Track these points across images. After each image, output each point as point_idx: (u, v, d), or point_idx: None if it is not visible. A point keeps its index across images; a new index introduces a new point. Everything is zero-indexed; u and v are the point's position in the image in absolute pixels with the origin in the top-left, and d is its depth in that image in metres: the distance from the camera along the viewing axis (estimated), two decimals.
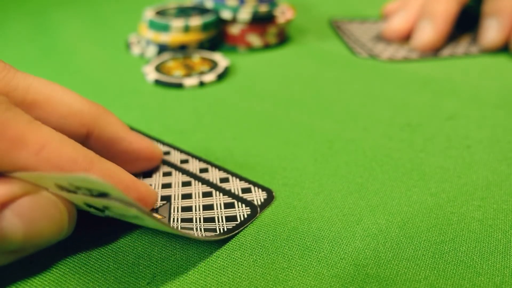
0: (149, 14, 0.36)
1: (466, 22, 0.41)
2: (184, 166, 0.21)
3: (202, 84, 0.31)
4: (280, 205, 0.19)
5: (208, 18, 0.35)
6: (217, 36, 0.37)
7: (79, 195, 0.14)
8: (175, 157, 0.22)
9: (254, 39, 0.37)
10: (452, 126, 0.25)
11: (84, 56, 0.36)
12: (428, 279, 0.15)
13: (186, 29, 0.34)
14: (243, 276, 0.15)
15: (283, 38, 0.40)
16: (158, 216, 0.18)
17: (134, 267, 0.16)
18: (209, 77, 0.31)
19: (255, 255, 0.16)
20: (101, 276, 0.15)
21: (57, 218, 0.14)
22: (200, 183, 0.20)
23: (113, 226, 0.18)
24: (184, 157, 0.22)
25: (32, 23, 0.45)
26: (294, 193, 0.20)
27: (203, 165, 0.21)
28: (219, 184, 0.20)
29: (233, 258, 0.16)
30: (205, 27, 0.35)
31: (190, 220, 0.18)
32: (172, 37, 0.34)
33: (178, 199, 0.19)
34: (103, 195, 0.13)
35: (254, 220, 0.18)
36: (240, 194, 0.19)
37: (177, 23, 0.34)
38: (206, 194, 0.19)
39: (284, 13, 0.39)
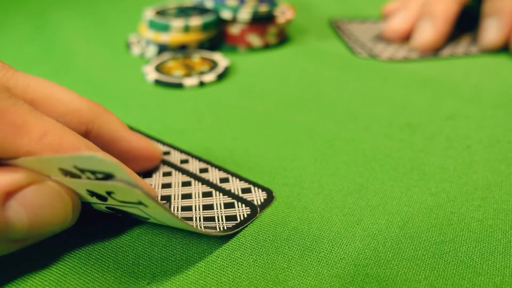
0: (149, 14, 0.36)
1: (466, 22, 0.41)
2: (184, 166, 0.21)
3: (202, 84, 0.31)
4: (280, 205, 0.19)
5: (208, 18, 0.35)
6: (217, 36, 0.37)
7: (83, 179, 0.14)
8: (175, 157, 0.22)
9: (254, 39, 0.37)
10: (452, 126, 0.25)
11: (84, 56, 0.36)
12: (428, 279, 0.15)
13: (186, 29, 0.34)
14: (243, 276, 0.15)
15: (283, 38, 0.40)
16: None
17: (134, 267, 0.16)
18: (209, 77, 0.31)
19: (255, 255, 0.16)
20: (101, 276, 0.15)
21: (61, 208, 0.14)
22: (200, 183, 0.20)
23: (113, 226, 0.18)
24: (184, 157, 0.22)
25: (32, 23, 0.45)
26: (294, 193, 0.20)
27: (203, 165, 0.21)
28: (219, 184, 0.20)
29: (233, 258, 0.16)
30: (205, 27, 0.35)
31: (190, 219, 0.18)
32: (172, 37, 0.34)
33: (178, 199, 0.19)
34: (107, 177, 0.13)
35: (254, 219, 0.18)
36: (240, 194, 0.19)
37: (177, 23, 0.34)
38: (206, 194, 0.19)
39: (284, 13, 0.39)
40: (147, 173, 0.20)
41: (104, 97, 0.29)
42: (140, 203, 0.14)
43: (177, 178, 0.20)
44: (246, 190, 0.19)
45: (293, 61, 0.35)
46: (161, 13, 0.36)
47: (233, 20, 0.37)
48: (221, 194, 0.19)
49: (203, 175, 0.20)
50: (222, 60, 0.34)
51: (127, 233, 0.17)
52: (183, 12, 0.37)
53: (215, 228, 0.17)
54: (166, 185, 0.20)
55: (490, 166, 0.22)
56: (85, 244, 0.17)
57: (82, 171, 0.13)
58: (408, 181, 0.21)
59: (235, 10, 0.36)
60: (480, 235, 0.17)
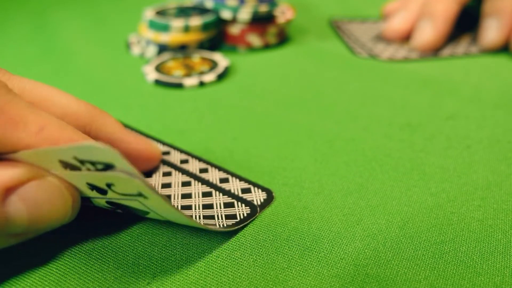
0: (149, 14, 0.36)
1: (466, 22, 0.41)
2: (184, 166, 0.21)
3: (202, 84, 0.31)
4: (280, 205, 0.19)
5: (208, 18, 0.35)
6: (217, 36, 0.37)
7: (83, 171, 0.14)
8: (175, 157, 0.22)
9: (254, 39, 0.37)
10: (452, 126, 0.25)
11: (84, 56, 0.36)
12: (428, 279, 0.15)
13: (186, 29, 0.34)
14: (243, 276, 0.15)
15: (283, 38, 0.40)
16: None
17: (134, 267, 0.16)
18: (209, 77, 0.31)
19: (255, 255, 0.16)
20: (101, 276, 0.15)
21: (61, 204, 0.14)
22: (200, 183, 0.20)
23: (113, 226, 0.18)
24: (184, 157, 0.22)
25: (32, 23, 0.45)
26: (294, 193, 0.20)
27: (203, 165, 0.21)
28: (218, 184, 0.20)
29: (233, 258, 0.16)
30: (205, 27, 0.35)
31: (189, 217, 0.18)
32: (172, 37, 0.34)
33: (178, 199, 0.19)
34: (107, 167, 0.13)
35: (254, 218, 0.18)
36: (240, 194, 0.19)
37: (177, 23, 0.34)
38: (206, 194, 0.19)
39: (284, 13, 0.39)
40: (147, 173, 0.20)
41: (104, 97, 0.29)
42: (140, 194, 0.14)
43: (177, 178, 0.20)
44: (246, 190, 0.19)
45: (293, 61, 0.35)
46: (161, 13, 0.36)
47: (233, 20, 0.37)
48: (220, 194, 0.19)
49: (203, 175, 0.20)
50: (222, 60, 0.34)
51: (127, 233, 0.17)
52: (183, 12, 0.37)
53: (214, 225, 0.17)
54: (166, 185, 0.20)
55: (490, 166, 0.22)
56: (85, 244, 0.17)
57: (82, 162, 0.13)
58: (408, 181, 0.21)
59: (235, 10, 0.36)
60: (480, 235, 0.17)
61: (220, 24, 0.37)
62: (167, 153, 0.22)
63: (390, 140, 0.24)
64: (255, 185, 0.20)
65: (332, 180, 0.21)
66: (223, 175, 0.20)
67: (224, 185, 0.20)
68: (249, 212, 0.18)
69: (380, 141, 0.24)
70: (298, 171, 0.21)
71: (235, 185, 0.20)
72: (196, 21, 0.35)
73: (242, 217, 0.18)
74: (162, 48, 0.35)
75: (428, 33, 0.36)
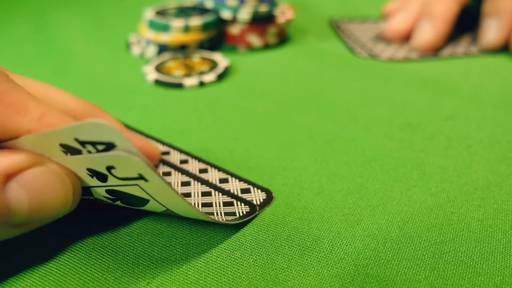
0: (149, 14, 0.36)
1: (466, 22, 0.41)
2: (184, 166, 0.21)
3: (202, 84, 0.31)
4: (280, 205, 0.19)
5: (208, 18, 0.35)
6: (217, 36, 0.37)
7: (84, 155, 0.13)
8: (175, 157, 0.22)
9: (254, 39, 0.37)
10: (452, 126, 0.25)
11: (84, 56, 0.36)
12: (428, 279, 0.15)
13: (186, 29, 0.34)
14: (243, 276, 0.15)
15: (283, 38, 0.40)
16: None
17: (134, 267, 0.16)
18: (209, 77, 0.31)
19: (255, 255, 0.16)
20: (101, 276, 0.15)
21: (62, 191, 0.14)
22: (199, 183, 0.20)
23: (113, 226, 0.18)
24: (183, 157, 0.22)
25: (32, 23, 0.45)
26: (294, 193, 0.20)
27: (203, 166, 0.21)
28: (218, 184, 0.20)
29: (233, 258, 0.16)
30: (205, 27, 0.35)
31: (190, 204, 0.17)
32: (172, 37, 0.34)
33: None
34: (108, 147, 0.13)
35: (253, 217, 0.18)
36: (240, 194, 0.19)
37: (177, 23, 0.34)
38: (205, 194, 0.19)
39: (284, 13, 0.39)
40: None
41: (104, 97, 0.29)
42: (140, 177, 0.14)
43: (176, 178, 0.20)
44: (245, 191, 0.19)
45: (293, 61, 0.35)
46: (161, 13, 0.36)
47: (233, 20, 0.37)
48: (220, 193, 0.19)
49: (203, 176, 0.20)
50: (222, 60, 0.34)
51: (127, 233, 0.17)
52: (183, 12, 0.37)
53: (214, 217, 0.17)
54: None
55: (490, 166, 0.22)
56: (85, 244, 0.17)
57: (83, 144, 0.13)
58: (408, 181, 0.21)
59: (235, 10, 0.36)
60: (480, 235, 0.17)
61: (220, 24, 0.37)
62: (167, 153, 0.22)
63: (390, 140, 0.24)
64: (255, 185, 0.20)
65: (332, 180, 0.21)
66: (223, 175, 0.20)
67: (224, 185, 0.20)
68: (248, 210, 0.18)
69: (380, 141, 0.24)
70: (298, 171, 0.21)
71: (234, 185, 0.20)
72: (196, 21, 0.35)
73: (241, 215, 0.18)
74: (162, 48, 0.35)
75: (428, 33, 0.36)
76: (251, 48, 0.37)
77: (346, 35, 0.41)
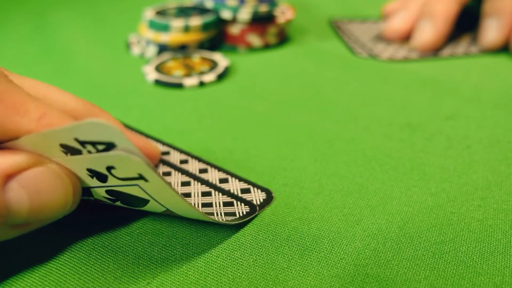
0: (149, 14, 0.36)
1: (466, 22, 0.41)
2: (184, 166, 0.21)
3: (202, 84, 0.31)
4: (280, 205, 0.19)
5: (208, 18, 0.35)
6: (217, 36, 0.37)
7: (84, 155, 0.13)
8: (175, 157, 0.22)
9: (254, 39, 0.37)
10: (452, 126, 0.25)
11: (84, 56, 0.36)
12: (428, 279, 0.15)
13: (186, 29, 0.34)
14: (243, 276, 0.15)
15: (283, 38, 0.40)
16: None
17: (134, 267, 0.16)
18: (209, 77, 0.31)
19: (255, 255, 0.16)
20: (101, 276, 0.15)
21: (62, 191, 0.14)
22: (199, 183, 0.20)
23: (113, 226, 0.18)
24: (183, 157, 0.22)
25: (32, 23, 0.45)
26: (294, 193, 0.20)
27: (203, 166, 0.21)
28: (218, 184, 0.20)
29: (233, 258, 0.16)
30: (205, 27, 0.35)
31: (190, 204, 0.18)
32: (172, 37, 0.34)
33: None
34: (108, 147, 0.13)
35: (253, 217, 0.18)
36: (240, 195, 0.19)
37: (177, 23, 0.34)
38: (205, 194, 0.19)
39: (284, 13, 0.39)
40: None
41: (104, 97, 0.29)
42: (140, 177, 0.14)
43: (176, 178, 0.20)
44: (245, 191, 0.19)
45: (293, 61, 0.35)
46: (161, 13, 0.36)
47: (233, 20, 0.37)
48: (220, 193, 0.19)
49: (203, 176, 0.20)
50: (222, 60, 0.34)
51: (127, 233, 0.17)
52: (183, 12, 0.37)
53: (214, 217, 0.17)
54: None
55: (490, 166, 0.22)
56: (85, 244, 0.17)
57: (83, 144, 0.13)
58: (408, 181, 0.21)
59: (235, 10, 0.36)
60: (480, 235, 0.17)
61: (220, 24, 0.37)
62: (167, 153, 0.22)
63: (390, 140, 0.24)
64: (255, 185, 0.20)
65: (332, 180, 0.21)
66: (223, 175, 0.20)
67: (224, 185, 0.20)
68: (248, 210, 0.18)
69: (380, 141, 0.24)
70: (298, 171, 0.21)
71: (234, 185, 0.20)
72: (196, 21, 0.35)
73: (241, 215, 0.18)
74: (162, 48, 0.35)
75: (428, 33, 0.36)
76: (251, 48, 0.37)
77: (346, 35, 0.41)
